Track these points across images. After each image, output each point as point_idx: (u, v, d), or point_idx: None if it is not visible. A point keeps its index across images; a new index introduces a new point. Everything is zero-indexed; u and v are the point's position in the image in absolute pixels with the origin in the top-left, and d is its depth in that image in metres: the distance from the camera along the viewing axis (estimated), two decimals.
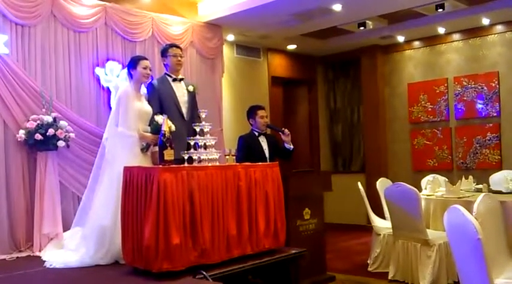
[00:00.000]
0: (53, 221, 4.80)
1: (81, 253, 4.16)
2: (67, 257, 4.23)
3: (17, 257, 4.62)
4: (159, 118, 4.27)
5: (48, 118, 4.85)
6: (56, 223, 4.82)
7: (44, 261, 4.30)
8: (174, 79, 4.70)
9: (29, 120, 4.83)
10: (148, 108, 4.44)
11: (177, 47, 4.82)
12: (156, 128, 4.24)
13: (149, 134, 4.31)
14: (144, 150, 4.34)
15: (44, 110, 4.92)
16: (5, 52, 4.82)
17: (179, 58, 4.72)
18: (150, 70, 4.51)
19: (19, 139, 4.80)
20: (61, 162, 5.08)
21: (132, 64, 4.44)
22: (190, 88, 4.79)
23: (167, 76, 4.71)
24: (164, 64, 4.79)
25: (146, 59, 4.56)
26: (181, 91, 4.70)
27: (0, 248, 4.68)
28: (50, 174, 4.88)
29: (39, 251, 4.70)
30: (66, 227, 4.86)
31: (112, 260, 4.08)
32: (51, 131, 4.78)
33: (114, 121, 4.38)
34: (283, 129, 5.34)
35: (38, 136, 4.75)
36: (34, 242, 4.77)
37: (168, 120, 4.03)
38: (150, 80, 4.64)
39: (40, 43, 5.11)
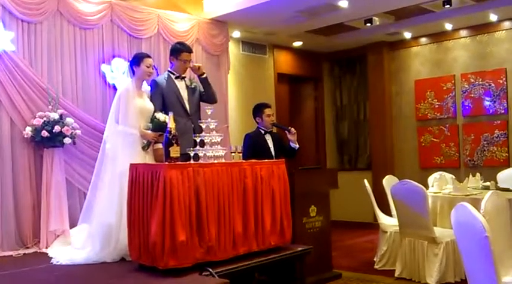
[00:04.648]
0: (59, 218, 4.82)
1: (88, 250, 4.17)
2: (73, 254, 4.25)
3: (24, 253, 4.64)
4: (160, 116, 4.27)
5: (55, 115, 4.86)
6: (62, 219, 4.83)
7: (51, 258, 4.32)
8: (177, 77, 4.69)
9: (35, 117, 4.84)
10: (150, 105, 4.43)
11: (190, 51, 4.74)
12: (157, 125, 4.23)
13: (150, 132, 4.30)
14: (146, 147, 4.34)
15: (50, 107, 4.93)
16: (12, 49, 4.83)
17: (188, 64, 4.69)
18: (153, 68, 4.50)
19: (25, 136, 4.82)
20: (67, 158, 5.10)
21: (135, 61, 4.44)
22: (189, 82, 4.73)
23: (170, 74, 4.68)
24: (171, 61, 4.76)
25: (150, 56, 4.56)
26: (184, 88, 4.69)
27: (7, 244, 4.71)
28: (56, 171, 4.89)
29: (46, 247, 4.72)
30: (72, 224, 4.87)
31: (118, 257, 4.09)
32: (57, 128, 4.79)
33: (114, 119, 4.38)
34: (289, 127, 5.33)
35: (45, 133, 4.77)
36: (41, 238, 4.80)
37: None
38: (153, 77, 4.62)
39: (46, 40, 5.11)
